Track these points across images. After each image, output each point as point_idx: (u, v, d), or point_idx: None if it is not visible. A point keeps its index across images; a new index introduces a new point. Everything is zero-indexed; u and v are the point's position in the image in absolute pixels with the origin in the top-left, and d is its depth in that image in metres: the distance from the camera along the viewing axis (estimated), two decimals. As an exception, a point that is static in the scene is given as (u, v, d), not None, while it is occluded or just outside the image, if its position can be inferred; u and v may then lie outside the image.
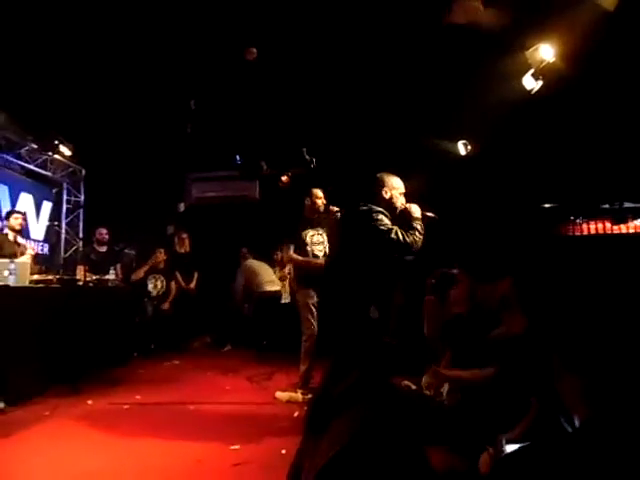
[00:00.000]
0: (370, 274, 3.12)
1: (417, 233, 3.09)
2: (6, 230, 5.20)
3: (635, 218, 10.31)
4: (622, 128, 6.18)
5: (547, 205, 9.82)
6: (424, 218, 3.21)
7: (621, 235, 10.25)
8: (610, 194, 9.77)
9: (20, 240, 5.33)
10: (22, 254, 4.79)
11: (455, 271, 3.66)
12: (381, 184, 3.19)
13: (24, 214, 5.57)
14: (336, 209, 3.96)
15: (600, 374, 0.91)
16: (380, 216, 3.07)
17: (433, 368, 2.98)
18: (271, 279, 6.86)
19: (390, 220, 3.09)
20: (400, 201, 3.22)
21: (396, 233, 3.01)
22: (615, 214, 10.30)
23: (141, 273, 6.73)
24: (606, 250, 9.51)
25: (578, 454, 0.79)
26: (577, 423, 0.92)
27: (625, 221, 10.36)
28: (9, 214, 5.29)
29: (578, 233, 10.57)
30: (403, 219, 3.16)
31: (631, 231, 10.39)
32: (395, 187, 3.22)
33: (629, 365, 0.91)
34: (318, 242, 4.57)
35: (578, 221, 10.60)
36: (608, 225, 10.48)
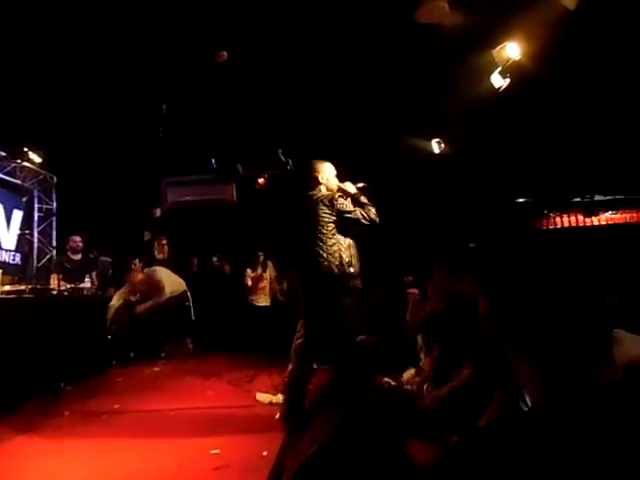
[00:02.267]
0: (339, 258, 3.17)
1: (370, 207, 3.27)
2: None
3: (605, 210, 10.63)
4: (591, 123, 6.36)
5: (520, 200, 10.03)
6: (360, 190, 3.39)
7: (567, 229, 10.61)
8: (581, 188, 10.03)
9: None
10: None
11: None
12: (315, 170, 3.37)
13: None
14: (360, 185, 3.83)
15: (549, 354, 0.94)
16: (341, 199, 3.23)
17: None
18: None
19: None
20: (334, 183, 3.40)
21: (362, 215, 3.19)
22: (586, 207, 10.60)
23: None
24: (558, 241, 9.81)
25: (529, 434, 0.81)
26: (530, 404, 0.95)
27: (596, 214, 10.67)
28: None
29: (552, 226, 10.84)
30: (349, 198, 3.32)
31: (603, 223, 10.72)
32: (326, 170, 3.40)
33: (577, 344, 0.94)
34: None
35: (551, 215, 10.87)
36: (580, 218, 10.78)
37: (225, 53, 5.01)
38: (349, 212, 3.19)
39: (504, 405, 1.98)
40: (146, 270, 6.55)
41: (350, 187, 3.41)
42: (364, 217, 3.19)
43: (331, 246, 3.14)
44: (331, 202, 3.19)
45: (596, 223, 10.64)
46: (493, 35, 4.49)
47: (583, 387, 0.85)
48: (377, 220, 3.27)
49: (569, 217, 10.82)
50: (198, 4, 4.45)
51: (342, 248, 3.16)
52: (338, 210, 3.17)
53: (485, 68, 5.02)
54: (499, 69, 4.74)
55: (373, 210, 3.27)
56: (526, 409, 0.94)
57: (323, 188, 3.35)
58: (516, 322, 1.00)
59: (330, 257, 3.13)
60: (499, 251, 6.56)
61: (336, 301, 3.11)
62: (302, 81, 5.73)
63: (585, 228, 10.58)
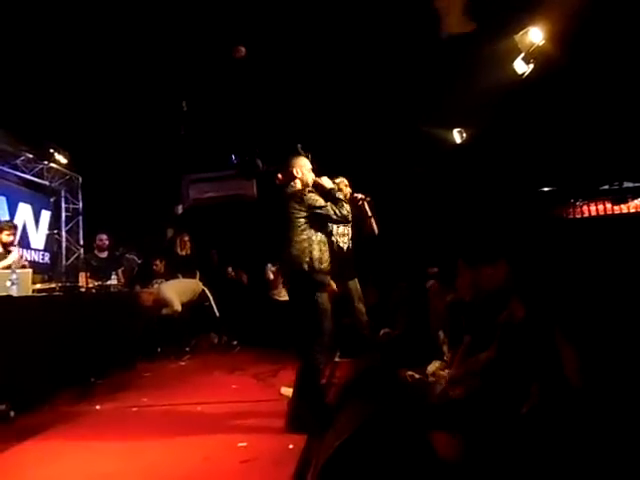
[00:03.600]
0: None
1: (343, 203, 3.25)
2: None
3: (635, 198, 10.28)
4: (618, 108, 6.15)
5: (546, 189, 9.79)
6: (357, 200, 3.49)
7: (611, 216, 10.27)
8: (609, 175, 9.73)
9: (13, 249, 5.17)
10: (21, 264, 4.69)
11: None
12: (291, 165, 3.37)
13: (16, 227, 5.36)
14: (360, 196, 3.82)
15: (594, 345, 0.93)
16: (313, 195, 3.22)
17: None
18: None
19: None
20: (311, 177, 3.39)
21: (333, 210, 3.17)
22: (615, 194, 10.28)
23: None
24: (594, 230, 9.53)
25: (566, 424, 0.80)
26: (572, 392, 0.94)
27: (625, 201, 10.33)
28: (1, 229, 5.02)
29: (578, 215, 10.55)
30: (321, 193, 3.32)
31: (632, 211, 10.37)
32: (302, 164, 3.40)
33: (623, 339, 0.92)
34: (343, 234, 4.47)
35: (578, 203, 10.57)
36: (609, 206, 10.45)
37: (243, 49, 5.02)
38: (319, 207, 3.16)
39: (541, 398, 1.94)
40: (154, 288, 6.63)
41: (327, 182, 3.38)
42: (335, 213, 3.16)
43: (300, 242, 3.13)
44: (301, 198, 3.18)
45: (625, 211, 10.31)
46: (516, 20, 4.38)
47: (625, 381, 0.83)
48: (349, 218, 3.29)
49: (597, 205, 10.50)
50: (216, 2, 4.46)
51: (312, 244, 3.14)
52: (308, 205, 3.15)
53: (508, 53, 4.90)
54: (522, 55, 4.62)
55: (347, 207, 3.25)
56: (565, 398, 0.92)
57: (298, 182, 3.32)
58: (566, 313, 0.99)
59: (300, 253, 3.12)
60: (528, 242, 6.44)
61: (309, 297, 3.11)
62: (321, 73, 5.70)
63: (614, 216, 10.26)
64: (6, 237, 4.97)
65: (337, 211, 3.17)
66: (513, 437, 1.88)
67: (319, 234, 3.21)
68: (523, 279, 2.62)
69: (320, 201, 3.19)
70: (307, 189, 3.28)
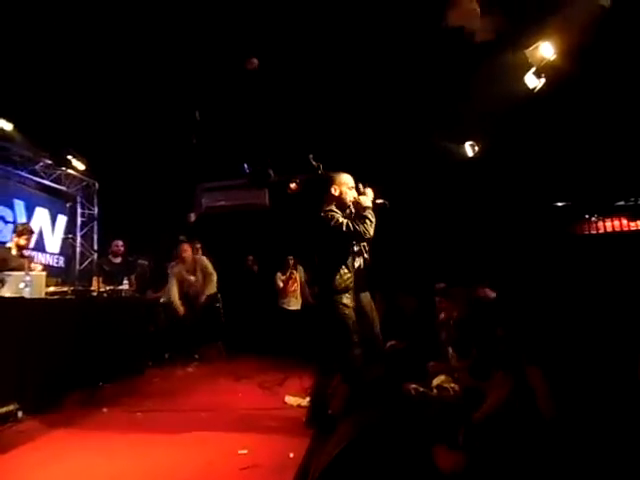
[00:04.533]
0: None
1: (367, 221, 3.23)
2: (9, 244, 5.12)
3: (652, 214, 10.10)
4: (634, 123, 6.10)
5: (560, 204, 9.69)
6: (375, 205, 3.37)
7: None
8: (625, 190, 9.60)
9: (26, 253, 5.24)
10: (29, 267, 4.79)
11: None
12: (330, 182, 3.40)
13: (32, 232, 5.42)
14: (380, 201, 3.80)
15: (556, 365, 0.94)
16: (331, 213, 3.27)
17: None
18: None
19: (342, 214, 3.32)
20: (351, 195, 3.41)
21: (347, 225, 3.18)
22: (632, 210, 10.12)
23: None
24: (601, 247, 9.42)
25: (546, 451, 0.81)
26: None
27: (642, 217, 10.16)
28: (20, 233, 5.10)
29: (594, 231, 10.40)
30: (356, 211, 3.35)
31: (649, 227, 10.19)
32: (343, 183, 3.41)
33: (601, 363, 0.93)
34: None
35: (593, 219, 10.43)
36: (624, 222, 10.29)
37: (256, 60, 5.11)
38: (337, 224, 3.20)
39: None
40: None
41: (366, 201, 3.34)
42: (348, 227, 3.17)
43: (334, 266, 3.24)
44: (326, 220, 3.24)
45: (642, 227, 10.13)
46: (526, 35, 4.39)
47: (600, 410, 0.84)
48: (365, 235, 3.19)
49: (612, 221, 10.35)
50: (230, 13, 4.56)
51: (341, 266, 3.25)
52: (334, 226, 3.20)
53: (520, 68, 4.90)
54: (533, 69, 4.62)
55: (368, 226, 3.19)
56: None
57: (334, 205, 3.36)
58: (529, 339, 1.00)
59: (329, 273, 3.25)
60: (535, 259, 6.38)
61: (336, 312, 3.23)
62: (334, 85, 5.76)
63: (630, 233, 10.09)
64: (23, 241, 5.08)
65: (351, 227, 3.17)
66: (516, 452, 1.87)
67: (345, 254, 3.32)
68: (507, 303, 2.64)
69: (338, 218, 3.24)
70: (329, 208, 3.32)
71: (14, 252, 4.99)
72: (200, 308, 6.47)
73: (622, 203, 10.04)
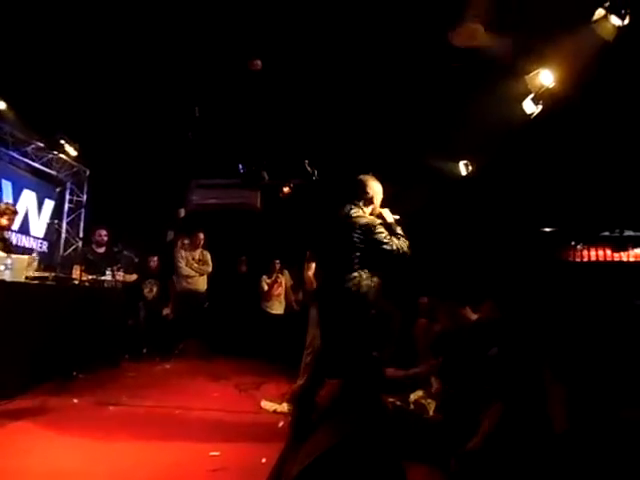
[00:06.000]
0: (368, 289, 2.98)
1: (404, 239, 3.04)
2: None
3: (636, 246, 10.29)
4: (623, 155, 6.22)
5: (547, 229, 9.82)
6: (397, 221, 3.19)
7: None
8: (610, 221, 9.78)
9: (7, 235, 5.14)
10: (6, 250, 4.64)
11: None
12: (369, 187, 3.17)
13: (15, 212, 5.28)
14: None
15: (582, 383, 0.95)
16: (380, 228, 3.00)
17: None
18: None
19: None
20: (379, 206, 3.22)
21: (395, 244, 2.96)
22: (616, 242, 10.29)
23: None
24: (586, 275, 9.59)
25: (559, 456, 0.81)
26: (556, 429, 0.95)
27: (625, 249, 10.34)
28: (2, 213, 4.93)
29: (578, 259, 10.55)
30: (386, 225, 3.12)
31: (632, 259, 10.38)
32: (377, 191, 3.20)
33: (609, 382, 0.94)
34: None
35: (579, 247, 10.59)
36: (609, 252, 10.46)
37: (259, 62, 5.11)
38: (385, 243, 2.94)
39: (503, 420, 1.94)
40: None
41: (388, 215, 3.19)
42: (398, 249, 2.94)
43: (352, 278, 2.94)
44: (370, 230, 2.95)
45: (625, 259, 10.32)
46: (527, 61, 4.46)
47: (608, 424, 0.84)
48: (409, 253, 3.02)
49: (597, 250, 10.51)
50: (233, 12, 4.56)
51: (362, 280, 2.95)
52: (375, 240, 2.95)
53: (517, 93, 4.98)
54: (532, 95, 4.69)
55: (407, 243, 3.03)
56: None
57: (367, 211, 3.13)
58: (556, 351, 1.01)
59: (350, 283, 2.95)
60: (524, 279, 6.44)
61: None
62: (332, 95, 5.79)
63: (614, 263, 10.26)
64: (5, 221, 4.98)
65: (400, 246, 2.96)
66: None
67: (366, 271, 2.99)
68: (513, 318, 2.64)
69: (387, 237, 2.97)
70: (378, 222, 3.04)
71: None
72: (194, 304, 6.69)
73: (607, 234, 10.22)
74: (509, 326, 2.77)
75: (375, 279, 3.01)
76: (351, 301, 2.94)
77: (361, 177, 3.22)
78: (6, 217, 4.96)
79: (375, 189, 3.19)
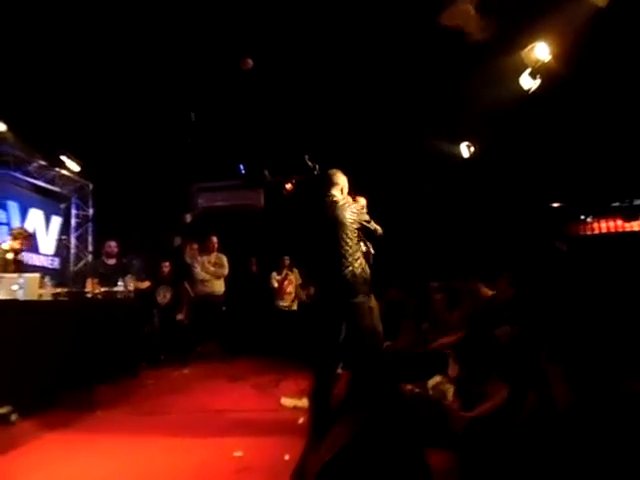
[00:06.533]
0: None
1: (373, 222, 3.32)
2: (5, 245, 5.07)
3: (646, 215, 10.14)
4: (629, 123, 6.12)
5: (555, 204, 9.71)
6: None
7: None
8: (620, 191, 9.65)
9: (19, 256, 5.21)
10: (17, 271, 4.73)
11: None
12: (337, 177, 3.37)
13: (29, 235, 5.45)
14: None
15: (581, 363, 0.94)
16: (364, 210, 3.32)
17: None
18: None
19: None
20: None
21: (374, 225, 3.28)
22: (626, 211, 10.16)
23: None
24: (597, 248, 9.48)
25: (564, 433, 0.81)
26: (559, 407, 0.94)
27: (637, 218, 10.20)
28: (15, 237, 5.10)
29: (589, 232, 10.43)
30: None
31: (644, 228, 10.22)
32: (345, 183, 3.41)
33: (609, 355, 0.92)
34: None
35: (589, 220, 10.46)
36: (619, 223, 10.32)
37: (250, 61, 5.09)
38: (368, 221, 3.26)
39: (536, 407, 1.92)
40: None
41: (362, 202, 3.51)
42: (376, 230, 3.28)
43: (354, 252, 3.15)
44: (362, 209, 3.28)
45: (636, 229, 10.17)
46: (522, 36, 4.39)
47: (611, 397, 0.84)
48: (379, 233, 3.34)
49: (607, 222, 10.38)
50: (224, 14, 4.55)
51: (360, 256, 3.20)
52: (366, 219, 3.23)
53: (515, 69, 4.91)
54: (528, 70, 4.62)
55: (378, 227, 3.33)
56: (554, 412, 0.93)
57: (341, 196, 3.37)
58: (551, 332, 1.00)
59: (354, 262, 3.11)
60: (533, 258, 6.39)
61: (355, 305, 3.12)
62: (329, 86, 5.76)
63: (625, 234, 10.12)
64: (18, 245, 5.08)
65: (377, 227, 3.29)
66: (509, 455, 1.86)
67: (362, 245, 3.30)
68: (523, 298, 2.61)
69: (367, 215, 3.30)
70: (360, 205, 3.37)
71: (10, 255, 4.97)
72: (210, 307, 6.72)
73: (617, 204, 10.08)
74: (520, 304, 2.75)
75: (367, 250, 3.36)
76: (356, 284, 3.10)
77: (329, 171, 3.44)
78: (18, 241, 5.06)
79: (342, 181, 3.40)
